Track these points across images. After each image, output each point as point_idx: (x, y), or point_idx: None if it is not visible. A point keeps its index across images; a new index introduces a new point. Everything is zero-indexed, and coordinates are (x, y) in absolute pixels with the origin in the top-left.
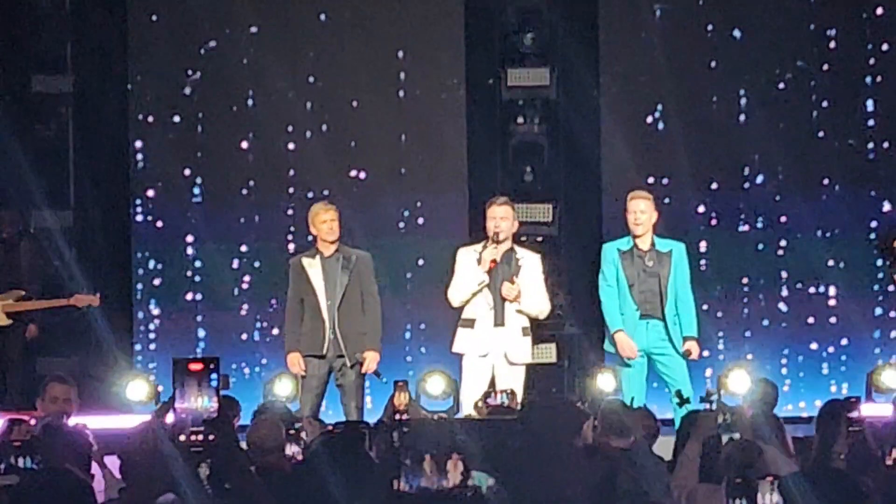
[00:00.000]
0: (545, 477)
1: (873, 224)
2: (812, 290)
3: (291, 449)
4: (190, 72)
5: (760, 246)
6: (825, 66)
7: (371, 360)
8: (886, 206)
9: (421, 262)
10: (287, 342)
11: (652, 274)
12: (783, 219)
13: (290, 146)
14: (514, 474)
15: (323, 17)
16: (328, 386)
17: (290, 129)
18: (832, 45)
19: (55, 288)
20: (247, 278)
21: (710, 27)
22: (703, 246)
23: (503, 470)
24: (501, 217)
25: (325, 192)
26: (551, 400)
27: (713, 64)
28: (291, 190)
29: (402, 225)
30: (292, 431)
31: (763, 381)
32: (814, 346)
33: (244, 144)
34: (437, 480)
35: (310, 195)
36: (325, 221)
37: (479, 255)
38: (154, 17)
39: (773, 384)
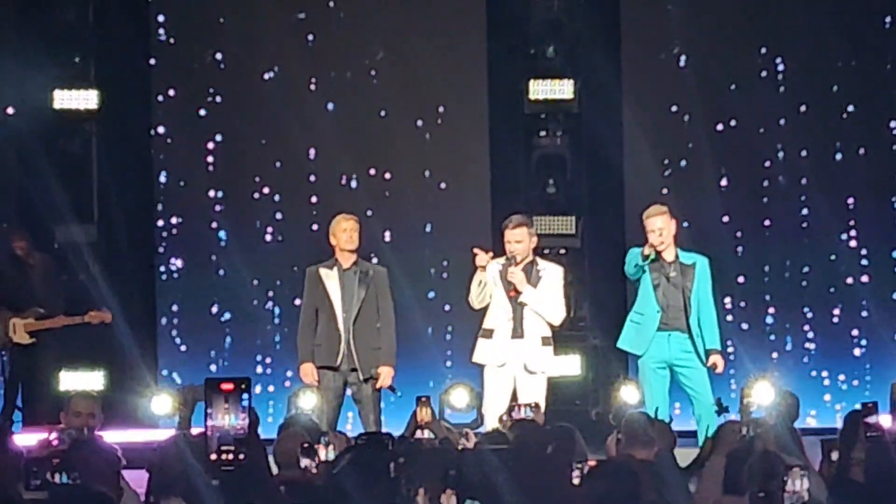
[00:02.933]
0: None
1: None
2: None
3: (317, 462)
4: (212, 89)
5: (787, 261)
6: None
7: (385, 375)
8: None
9: (444, 275)
10: (300, 352)
11: (676, 285)
12: (805, 224)
13: (312, 156)
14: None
15: (345, 28)
16: (345, 398)
17: (312, 140)
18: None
19: (74, 304)
20: (271, 292)
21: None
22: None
23: (493, 499)
24: (516, 241)
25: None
26: (541, 428)
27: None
28: (314, 199)
29: (425, 238)
30: (318, 445)
31: (786, 392)
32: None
33: (269, 151)
34: None
35: (333, 206)
36: (345, 230)
37: (500, 269)
38: (177, 32)
39: (795, 396)
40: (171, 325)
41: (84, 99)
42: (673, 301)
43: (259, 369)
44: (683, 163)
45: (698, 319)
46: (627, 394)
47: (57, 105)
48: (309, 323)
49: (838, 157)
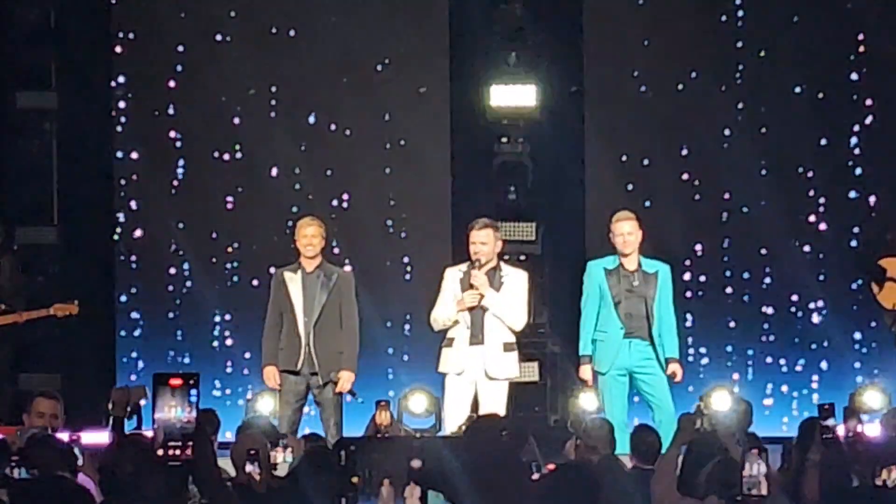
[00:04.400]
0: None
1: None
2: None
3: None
4: (172, 85)
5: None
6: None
7: (345, 379)
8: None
9: (407, 277)
10: (264, 355)
11: (638, 294)
12: (767, 238)
13: (274, 166)
14: (463, 492)
15: (297, 32)
16: (307, 402)
17: (273, 145)
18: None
19: (37, 304)
20: (230, 295)
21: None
22: (686, 266)
23: (453, 488)
24: (482, 242)
25: (309, 206)
26: (494, 416)
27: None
28: (275, 212)
29: (385, 244)
30: (277, 449)
31: (740, 399)
32: (798, 367)
33: (227, 158)
34: None
35: (294, 210)
36: (305, 236)
37: (462, 277)
38: (135, 34)
39: (748, 403)
40: (130, 328)
41: (44, 99)
42: (635, 311)
43: (223, 370)
44: (645, 170)
45: (659, 327)
46: (586, 400)
47: (17, 105)
48: (273, 326)
49: (800, 170)
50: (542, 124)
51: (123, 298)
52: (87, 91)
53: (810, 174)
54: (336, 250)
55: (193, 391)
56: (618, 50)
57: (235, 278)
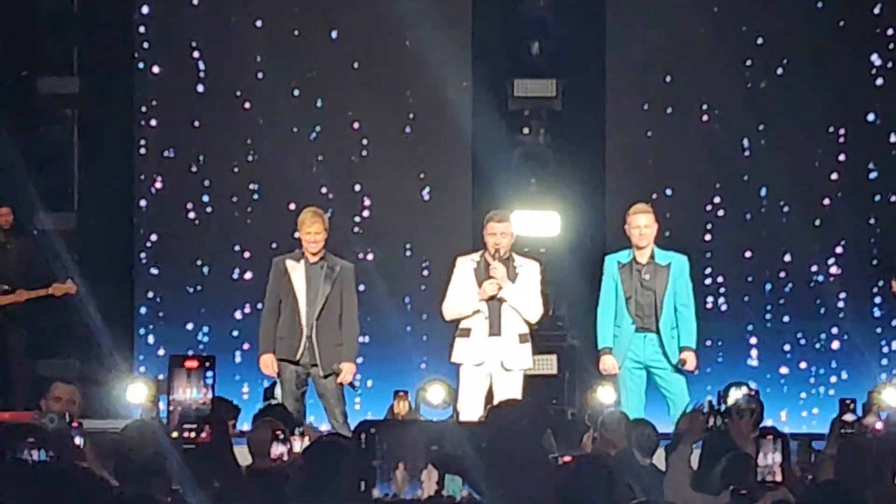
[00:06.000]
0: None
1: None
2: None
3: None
4: (199, 74)
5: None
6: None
7: (346, 371)
8: None
9: (425, 272)
10: (262, 342)
11: (648, 288)
12: (786, 232)
13: (292, 153)
14: (482, 477)
15: (333, 32)
16: (308, 391)
17: (293, 134)
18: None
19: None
20: (248, 282)
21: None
22: (706, 258)
23: (472, 473)
24: (501, 233)
25: (326, 191)
26: (514, 401)
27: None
28: (293, 206)
29: (405, 234)
30: (293, 436)
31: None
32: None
33: (248, 144)
34: (411, 489)
35: (316, 198)
36: (309, 234)
37: (475, 266)
38: (161, 22)
39: (759, 400)
40: (148, 316)
41: (66, 85)
42: (646, 305)
43: (238, 359)
44: (665, 162)
45: (675, 319)
46: (604, 394)
47: (39, 91)
48: (271, 313)
49: (816, 164)
50: (563, 115)
51: (142, 280)
52: (108, 77)
53: (833, 176)
54: (356, 240)
55: (209, 373)
56: (639, 41)
57: (257, 265)
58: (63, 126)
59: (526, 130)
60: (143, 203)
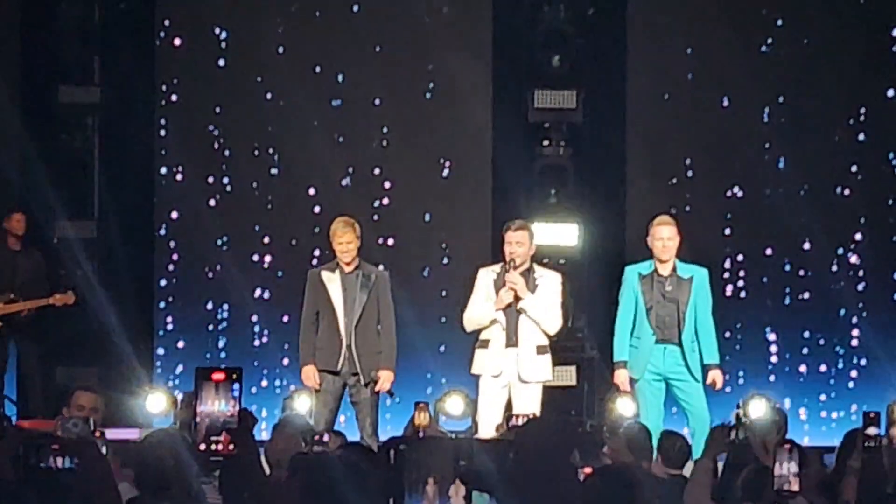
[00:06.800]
0: (541, 497)
1: None
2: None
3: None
4: (217, 81)
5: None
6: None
7: (385, 379)
8: None
9: (446, 280)
10: (302, 354)
11: (671, 300)
12: (806, 245)
13: (314, 167)
14: (510, 494)
15: (350, 38)
16: (343, 402)
17: (314, 146)
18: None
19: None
20: (267, 293)
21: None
22: (725, 272)
23: (500, 490)
24: (517, 242)
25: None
26: (544, 418)
27: (741, 90)
28: (317, 209)
29: (425, 245)
30: (314, 447)
31: (775, 408)
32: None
33: (271, 151)
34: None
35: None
36: (341, 244)
37: (496, 277)
38: (182, 31)
39: (783, 412)
40: (168, 325)
41: (87, 94)
42: (667, 317)
43: (256, 367)
44: (686, 175)
45: (696, 333)
46: (623, 406)
47: (60, 100)
48: (310, 325)
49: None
50: (583, 128)
51: (162, 290)
52: (130, 87)
53: (847, 192)
54: (376, 251)
55: (236, 385)
56: (660, 53)
57: (276, 274)
58: (84, 135)
59: (546, 143)
60: (162, 212)
